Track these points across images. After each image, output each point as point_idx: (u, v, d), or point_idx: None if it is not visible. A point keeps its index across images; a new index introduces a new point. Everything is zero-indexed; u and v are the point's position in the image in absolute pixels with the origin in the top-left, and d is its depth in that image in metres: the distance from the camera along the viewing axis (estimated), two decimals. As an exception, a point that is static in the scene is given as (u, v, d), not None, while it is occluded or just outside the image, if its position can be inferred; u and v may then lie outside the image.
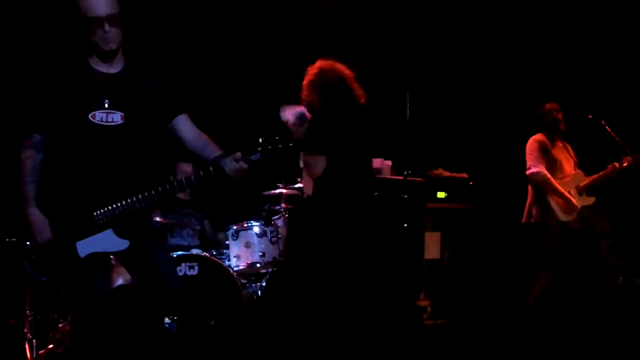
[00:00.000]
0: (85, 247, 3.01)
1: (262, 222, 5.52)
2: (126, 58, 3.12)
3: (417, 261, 5.87)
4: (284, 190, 5.64)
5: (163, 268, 3.19)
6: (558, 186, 5.23)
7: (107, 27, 2.93)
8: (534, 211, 5.32)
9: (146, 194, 3.04)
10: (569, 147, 5.47)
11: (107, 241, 3.03)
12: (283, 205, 5.61)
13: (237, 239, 5.48)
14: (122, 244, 3.06)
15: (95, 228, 3.02)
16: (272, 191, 5.68)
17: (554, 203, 5.21)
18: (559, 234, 5.22)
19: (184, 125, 3.20)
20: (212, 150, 3.13)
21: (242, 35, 6.52)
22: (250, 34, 6.52)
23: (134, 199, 3.03)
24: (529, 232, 5.36)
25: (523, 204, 5.58)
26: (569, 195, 5.22)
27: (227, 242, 5.56)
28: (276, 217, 5.60)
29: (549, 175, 5.24)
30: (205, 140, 3.19)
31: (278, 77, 6.63)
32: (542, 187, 5.26)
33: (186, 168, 5.66)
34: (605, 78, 6.25)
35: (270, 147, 3.01)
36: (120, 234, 3.05)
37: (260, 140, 3.03)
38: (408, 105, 5.13)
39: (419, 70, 6.29)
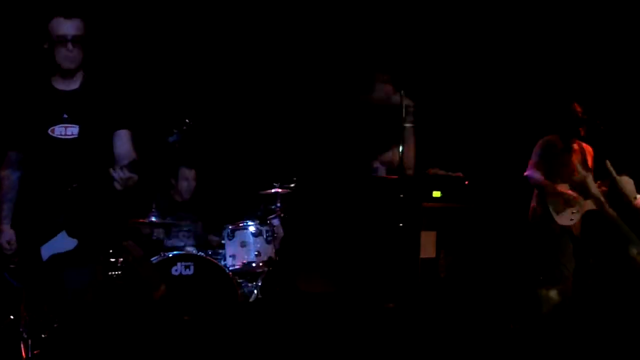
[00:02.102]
0: (45, 251, 3.25)
1: (258, 222, 5.52)
2: (85, 75, 3.36)
3: (413, 260, 5.88)
4: (279, 190, 5.64)
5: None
6: (554, 187, 5.19)
7: (70, 46, 3.21)
8: (537, 212, 5.29)
9: (92, 195, 3.26)
10: (586, 150, 5.36)
11: (61, 242, 3.25)
12: (279, 204, 5.61)
13: (232, 238, 5.48)
14: (72, 243, 3.25)
15: (52, 232, 3.25)
16: (268, 190, 5.68)
17: (551, 207, 5.18)
18: (561, 236, 5.18)
19: (119, 140, 3.38)
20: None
21: (238, 36, 6.51)
22: (247, 35, 6.51)
23: (83, 201, 3.25)
24: (533, 231, 5.33)
25: (519, 203, 5.57)
26: (569, 192, 5.17)
27: (222, 242, 5.56)
28: (272, 216, 5.60)
29: (541, 179, 5.20)
30: (130, 158, 3.32)
31: (275, 78, 6.65)
32: (539, 189, 5.25)
33: (188, 173, 5.69)
34: (603, 78, 6.25)
35: (185, 127, 3.19)
36: (71, 234, 3.25)
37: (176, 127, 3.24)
38: (404, 104, 5.12)
39: (414, 70, 6.29)
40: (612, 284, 5.42)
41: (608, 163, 5.17)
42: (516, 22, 6.50)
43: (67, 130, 3.27)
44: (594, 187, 5.19)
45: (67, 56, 3.23)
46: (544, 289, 5.15)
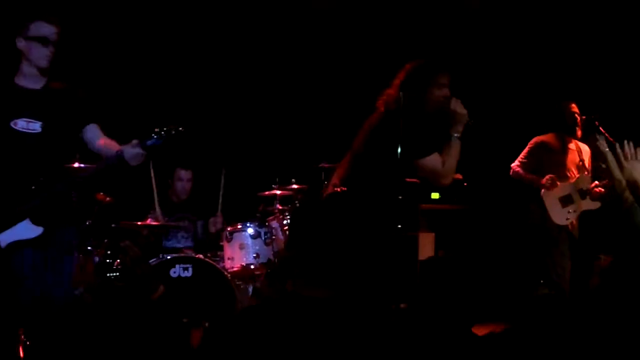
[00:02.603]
0: (6, 237, 3.38)
1: (257, 223, 5.52)
2: (49, 76, 3.56)
3: (411, 262, 5.87)
4: (278, 191, 5.64)
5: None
6: (532, 177, 5.22)
7: (52, 47, 3.45)
8: (534, 212, 5.28)
9: (57, 186, 3.48)
10: (583, 150, 5.37)
11: (24, 230, 3.39)
12: (278, 206, 5.60)
13: (231, 240, 5.47)
14: (37, 231, 3.41)
15: (14, 219, 3.39)
16: (267, 192, 5.68)
17: (547, 207, 5.17)
18: (558, 235, 5.18)
19: (91, 133, 3.64)
20: (113, 148, 3.51)
21: (232, 37, 6.52)
22: (242, 35, 6.51)
23: (48, 192, 3.43)
24: (530, 231, 5.32)
25: (517, 204, 5.57)
26: (537, 179, 5.18)
27: (220, 244, 5.56)
28: (270, 218, 5.60)
29: (520, 170, 5.28)
30: (108, 142, 3.59)
31: (270, 79, 6.65)
32: (524, 184, 5.28)
33: (184, 175, 5.70)
34: (601, 78, 6.25)
35: (163, 132, 3.36)
36: (35, 222, 3.41)
37: (156, 129, 3.39)
38: (402, 105, 5.11)
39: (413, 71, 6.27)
40: (617, 282, 5.39)
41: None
42: (514, 21, 6.50)
43: (29, 125, 3.46)
44: (616, 168, 5.14)
45: (47, 55, 3.46)
46: (542, 288, 5.14)
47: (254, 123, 6.64)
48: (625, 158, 2.87)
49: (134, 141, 3.40)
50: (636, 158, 2.85)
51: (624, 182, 5.06)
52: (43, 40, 3.43)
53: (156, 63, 6.29)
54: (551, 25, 6.41)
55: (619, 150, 4.65)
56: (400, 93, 4.49)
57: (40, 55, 3.45)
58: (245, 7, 6.37)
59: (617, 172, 5.07)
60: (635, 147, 4.50)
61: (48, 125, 3.48)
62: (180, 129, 3.39)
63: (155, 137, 3.36)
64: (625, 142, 3.40)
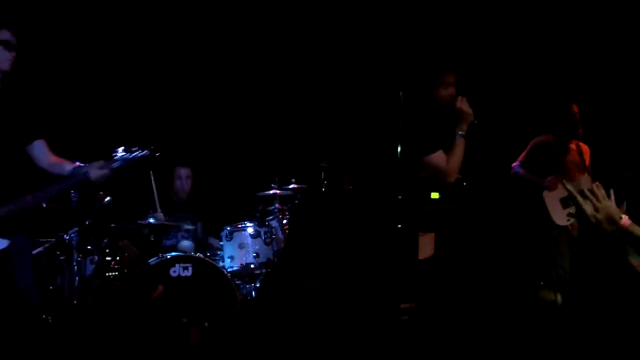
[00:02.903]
0: None
1: (256, 223, 5.52)
2: (4, 83, 3.55)
3: (411, 262, 5.86)
4: (278, 191, 5.64)
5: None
6: (533, 177, 5.23)
7: (14, 52, 3.49)
8: (534, 212, 5.28)
9: (21, 199, 3.42)
10: (583, 150, 5.38)
11: None
12: (277, 205, 5.61)
13: (231, 239, 5.48)
14: (2, 244, 3.38)
15: None
16: (266, 192, 5.68)
17: (548, 207, 5.18)
18: (558, 236, 5.18)
19: (37, 150, 3.62)
20: (65, 166, 3.54)
21: (232, 36, 6.52)
22: (242, 34, 6.51)
23: (11, 203, 3.39)
24: (530, 232, 5.32)
25: (517, 204, 5.57)
26: (552, 178, 5.18)
27: (221, 243, 5.56)
28: (270, 217, 5.60)
29: (519, 170, 5.30)
30: (57, 160, 3.58)
31: (270, 79, 6.65)
32: (525, 184, 5.29)
33: (183, 172, 5.71)
34: (601, 79, 6.25)
35: (131, 155, 3.40)
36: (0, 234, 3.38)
37: (122, 148, 3.41)
38: (402, 105, 5.12)
39: (412, 71, 6.27)
40: (610, 286, 5.41)
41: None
42: (513, 22, 6.49)
43: None
44: (586, 205, 5.17)
45: (9, 59, 3.50)
46: (541, 289, 5.14)
47: (253, 123, 6.64)
48: (597, 199, 2.94)
49: (100, 162, 3.43)
50: (606, 197, 2.94)
51: (598, 216, 5.06)
52: (6, 44, 3.49)
53: (154, 64, 6.30)
54: (552, 26, 6.41)
55: (589, 193, 4.67)
56: (400, 93, 4.51)
57: (3, 58, 3.49)
58: (247, 6, 6.38)
59: (587, 209, 5.08)
60: (608, 190, 4.53)
61: (2, 131, 3.48)
62: (147, 151, 3.42)
63: (122, 158, 3.39)
64: (594, 185, 3.49)
